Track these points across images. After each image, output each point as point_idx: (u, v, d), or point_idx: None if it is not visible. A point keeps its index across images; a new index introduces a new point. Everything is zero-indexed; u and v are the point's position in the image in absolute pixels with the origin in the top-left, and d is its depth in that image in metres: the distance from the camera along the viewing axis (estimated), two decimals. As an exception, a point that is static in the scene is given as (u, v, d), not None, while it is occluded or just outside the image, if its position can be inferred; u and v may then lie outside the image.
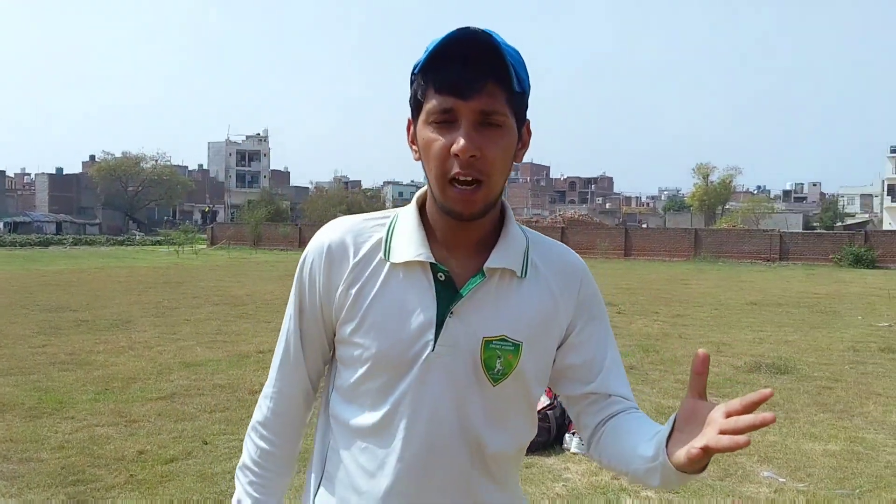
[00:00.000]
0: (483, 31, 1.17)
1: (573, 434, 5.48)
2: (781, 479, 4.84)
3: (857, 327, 12.42)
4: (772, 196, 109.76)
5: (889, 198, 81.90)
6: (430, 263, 1.28)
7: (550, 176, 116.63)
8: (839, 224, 79.60)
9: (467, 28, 1.17)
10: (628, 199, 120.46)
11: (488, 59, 1.18)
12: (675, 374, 8.29)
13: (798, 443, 5.70)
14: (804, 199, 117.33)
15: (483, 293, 1.28)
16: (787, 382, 7.89)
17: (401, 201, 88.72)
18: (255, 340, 10.30)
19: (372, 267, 1.32)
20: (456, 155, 1.19)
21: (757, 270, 30.98)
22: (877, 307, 15.88)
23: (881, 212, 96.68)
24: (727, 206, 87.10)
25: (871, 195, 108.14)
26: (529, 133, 1.31)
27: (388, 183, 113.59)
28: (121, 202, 79.01)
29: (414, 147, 1.30)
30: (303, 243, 47.44)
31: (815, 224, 79.84)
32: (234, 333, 11.00)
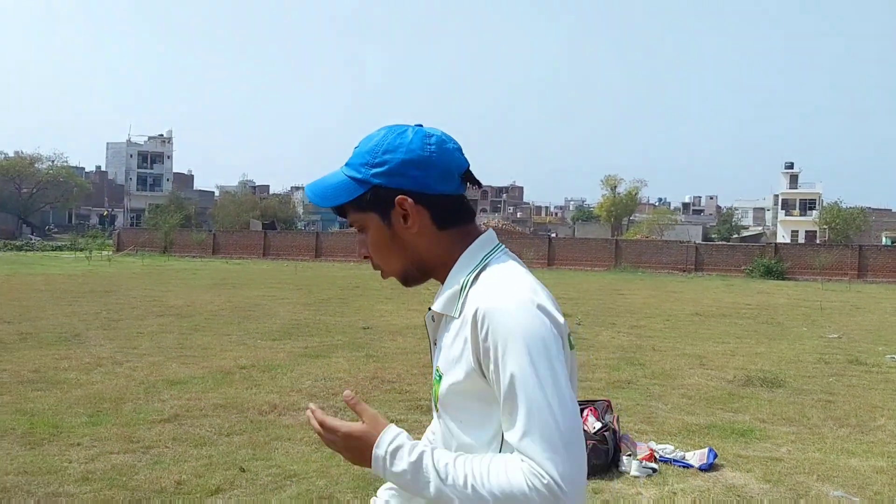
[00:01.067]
0: (307, 188, 1.55)
1: (629, 457, 5.36)
2: (854, 499, 4.85)
3: (811, 339, 12.86)
4: (671, 208, 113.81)
5: (783, 212, 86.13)
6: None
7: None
8: (735, 236, 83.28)
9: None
10: (538, 208, 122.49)
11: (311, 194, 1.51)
12: (675, 388, 8.32)
13: (840, 459, 5.75)
14: (701, 211, 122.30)
15: (438, 331, 1.49)
16: (786, 396, 8.02)
17: (313, 208, 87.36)
18: (228, 355, 9.77)
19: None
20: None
21: (679, 280, 31.95)
22: (814, 319, 16.54)
23: (774, 225, 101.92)
24: (632, 218, 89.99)
25: (763, 209, 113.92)
26: (404, 209, 1.42)
27: (296, 188, 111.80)
28: (13, 205, 74.62)
29: None
30: (217, 251, 46.05)
31: (713, 236, 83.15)
32: (199, 347, 10.41)
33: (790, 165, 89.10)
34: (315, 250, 44.54)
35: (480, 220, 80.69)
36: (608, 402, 5.92)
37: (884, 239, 69.08)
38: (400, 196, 1.42)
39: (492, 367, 1.30)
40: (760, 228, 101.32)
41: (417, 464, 1.30)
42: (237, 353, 9.89)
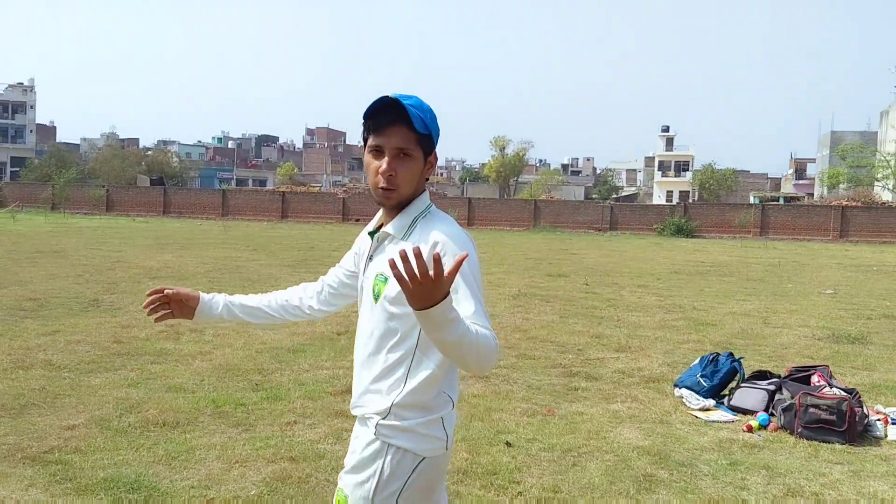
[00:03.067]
0: (395, 98, 1.99)
1: (879, 421, 5.37)
2: None
3: (812, 295, 13.51)
4: (551, 169, 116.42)
5: (659, 173, 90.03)
6: (370, 232, 2.17)
7: (347, 142, 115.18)
8: (613, 196, 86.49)
9: (387, 97, 1.99)
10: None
11: (397, 112, 1.97)
12: (781, 348, 8.51)
13: None
14: (579, 172, 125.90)
15: (382, 247, 2.08)
16: (880, 351, 8.37)
17: (189, 161, 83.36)
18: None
19: (364, 237, 2.24)
20: (381, 173, 2.01)
21: (604, 239, 32.84)
22: (783, 275, 17.40)
23: (646, 185, 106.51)
24: (519, 179, 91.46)
25: (635, 170, 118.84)
26: (436, 160, 2.10)
27: (165, 142, 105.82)
28: None
29: (364, 160, 2.09)
30: (111, 208, 43.26)
31: (594, 196, 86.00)
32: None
33: (666, 129, 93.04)
34: (221, 208, 42.64)
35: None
36: (827, 367, 5.94)
37: (751, 198, 73.36)
38: (434, 153, 2.08)
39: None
40: (634, 188, 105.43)
41: (456, 313, 1.73)
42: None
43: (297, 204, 43.04)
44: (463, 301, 1.87)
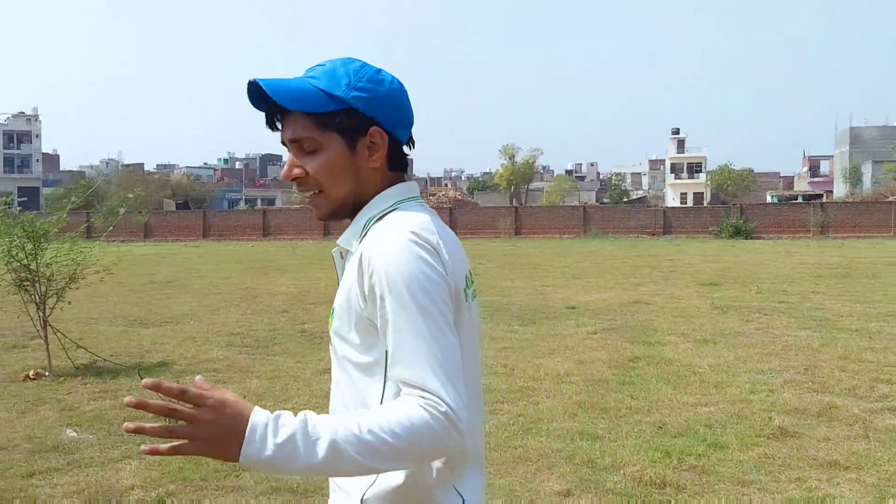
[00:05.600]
0: (252, 81, 1.43)
1: None
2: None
3: None
4: (554, 175, 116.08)
5: (672, 175, 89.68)
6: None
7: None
8: (625, 200, 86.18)
9: (250, 81, 1.44)
10: (434, 179, 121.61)
11: (264, 97, 1.43)
12: None
13: None
14: (584, 177, 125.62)
15: (342, 267, 1.51)
16: None
17: (198, 184, 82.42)
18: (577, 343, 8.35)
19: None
20: (283, 178, 1.49)
21: (666, 244, 32.14)
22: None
23: (653, 188, 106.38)
24: (530, 186, 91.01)
25: (639, 174, 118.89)
26: (381, 138, 1.45)
27: (165, 166, 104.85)
28: None
29: None
30: (150, 234, 42.41)
31: (605, 200, 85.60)
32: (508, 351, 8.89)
33: (676, 131, 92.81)
34: (263, 229, 41.73)
35: (447, 190, 79.04)
36: None
37: (769, 197, 73.05)
38: (374, 127, 1.44)
39: (378, 305, 1.32)
40: (642, 192, 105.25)
41: (304, 424, 1.19)
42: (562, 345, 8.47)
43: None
44: (395, 351, 1.29)
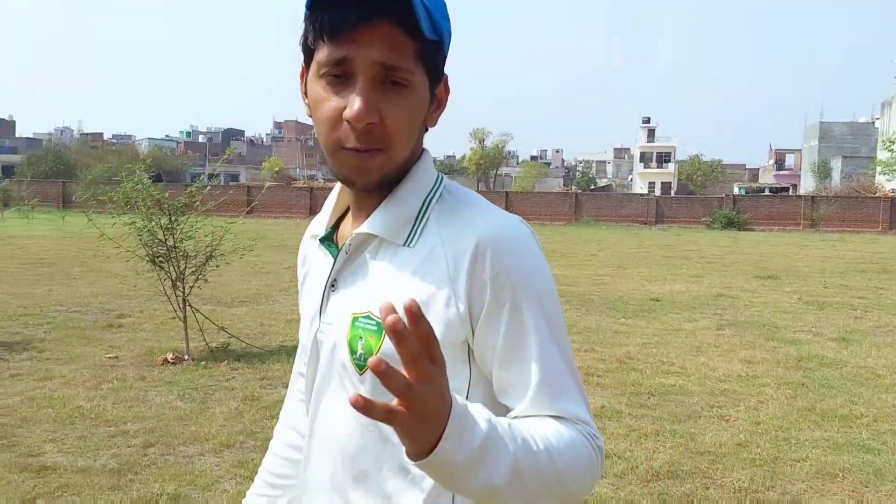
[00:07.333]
0: None
1: None
2: None
3: None
4: (519, 161, 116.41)
5: (641, 164, 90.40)
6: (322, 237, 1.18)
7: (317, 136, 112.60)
8: (592, 187, 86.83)
9: None
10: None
11: None
12: None
13: None
14: (549, 164, 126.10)
15: (359, 264, 1.10)
16: None
17: (171, 157, 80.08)
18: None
19: (311, 248, 1.24)
20: (349, 121, 0.99)
21: (663, 233, 32.13)
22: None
23: (616, 177, 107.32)
24: (498, 172, 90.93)
25: (604, 161, 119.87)
26: (447, 91, 1.11)
27: (122, 136, 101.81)
28: None
29: (306, 101, 1.08)
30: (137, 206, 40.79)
31: (573, 187, 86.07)
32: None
33: (647, 120, 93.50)
34: (309, 209, 40.08)
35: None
36: None
37: (736, 189, 73.95)
38: (446, 81, 1.11)
39: (504, 315, 1.01)
40: (608, 180, 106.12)
41: (492, 423, 0.91)
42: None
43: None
44: (532, 362, 1.01)
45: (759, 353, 7.56)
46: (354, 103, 0.98)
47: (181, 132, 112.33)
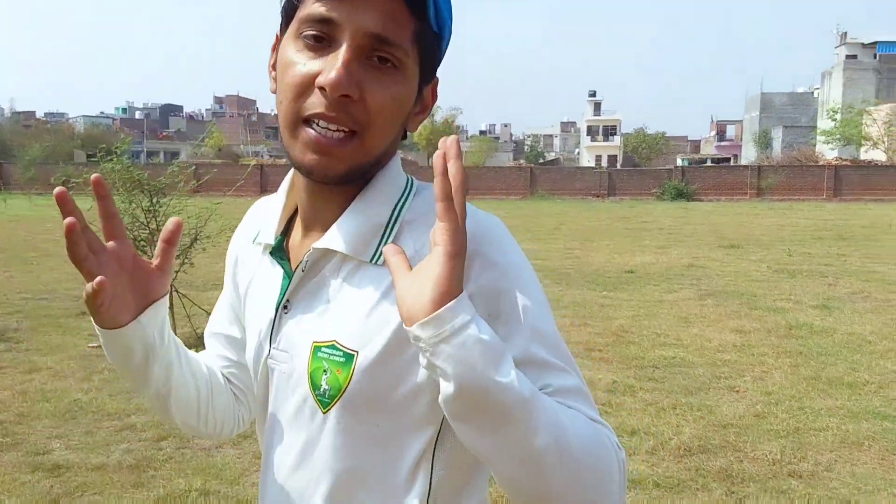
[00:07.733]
0: None
1: None
2: None
3: None
4: (469, 135, 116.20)
5: (588, 137, 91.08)
6: (273, 245, 1.02)
7: (260, 111, 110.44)
8: (541, 161, 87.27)
9: None
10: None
11: None
12: None
13: None
14: (497, 138, 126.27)
15: (316, 284, 0.96)
16: None
17: (109, 135, 77.75)
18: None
19: (253, 253, 1.08)
20: (322, 88, 0.85)
21: (616, 205, 32.45)
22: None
23: (563, 150, 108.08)
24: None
25: (551, 136, 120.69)
26: (435, 97, 0.99)
27: (54, 114, 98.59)
28: None
29: (273, 74, 0.94)
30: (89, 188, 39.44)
31: (521, 161, 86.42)
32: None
33: (593, 94, 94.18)
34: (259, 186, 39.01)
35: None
36: None
37: (678, 160, 75.09)
38: (436, 80, 0.99)
39: (499, 330, 0.83)
40: (555, 154, 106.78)
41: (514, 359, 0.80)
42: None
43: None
44: (525, 343, 0.87)
45: (747, 323, 7.63)
46: (332, 69, 0.83)
47: (117, 108, 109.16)
